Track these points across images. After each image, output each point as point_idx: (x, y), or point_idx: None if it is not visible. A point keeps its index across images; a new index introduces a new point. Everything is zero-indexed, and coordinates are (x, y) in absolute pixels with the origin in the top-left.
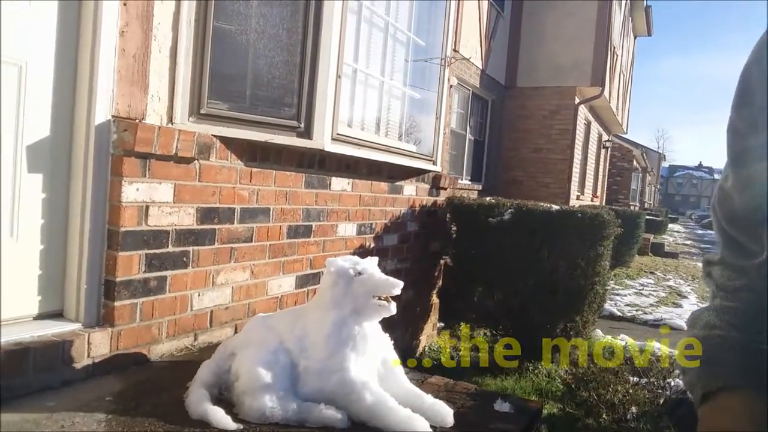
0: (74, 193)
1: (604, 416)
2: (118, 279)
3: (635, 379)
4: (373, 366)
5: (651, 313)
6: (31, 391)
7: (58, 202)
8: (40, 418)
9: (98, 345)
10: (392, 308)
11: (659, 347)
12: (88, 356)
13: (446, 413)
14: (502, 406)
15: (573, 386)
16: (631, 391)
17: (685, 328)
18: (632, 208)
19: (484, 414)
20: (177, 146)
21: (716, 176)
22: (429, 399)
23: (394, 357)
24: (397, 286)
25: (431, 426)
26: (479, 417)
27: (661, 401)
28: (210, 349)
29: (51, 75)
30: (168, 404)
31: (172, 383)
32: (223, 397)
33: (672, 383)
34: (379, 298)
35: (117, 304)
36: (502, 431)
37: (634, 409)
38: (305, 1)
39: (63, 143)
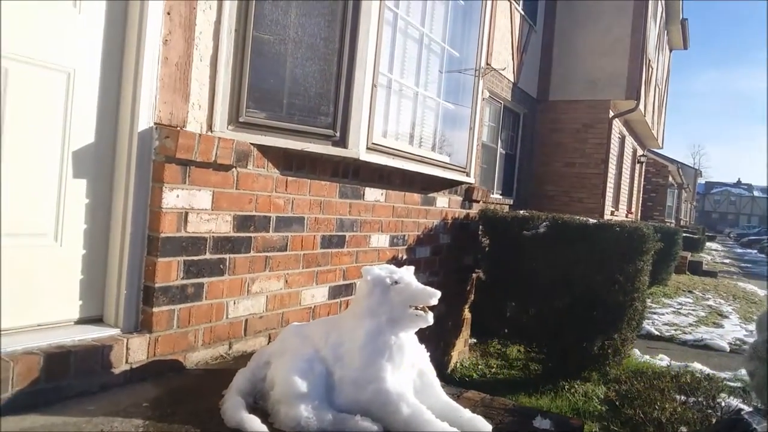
0: (116, 198)
1: None
2: (156, 285)
3: (682, 397)
4: (410, 378)
5: (690, 333)
6: (71, 395)
7: (101, 207)
8: (80, 422)
9: (136, 351)
10: (429, 318)
11: (701, 369)
12: (126, 362)
13: (484, 428)
14: (542, 423)
15: (617, 403)
16: (679, 409)
17: (727, 349)
18: (668, 224)
19: (524, 431)
20: (216, 153)
21: (756, 193)
22: (467, 413)
23: (430, 369)
24: (435, 295)
25: None
26: None
27: (713, 421)
28: (244, 358)
29: (97, 82)
30: (204, 411)
31: (208, 391)
32: (258, 405)
33: (722, 403)
34: (416, 308)
35: (155, 310)
36: None
37: (684, 429)
38: (342, 12)
39: (107, 149)
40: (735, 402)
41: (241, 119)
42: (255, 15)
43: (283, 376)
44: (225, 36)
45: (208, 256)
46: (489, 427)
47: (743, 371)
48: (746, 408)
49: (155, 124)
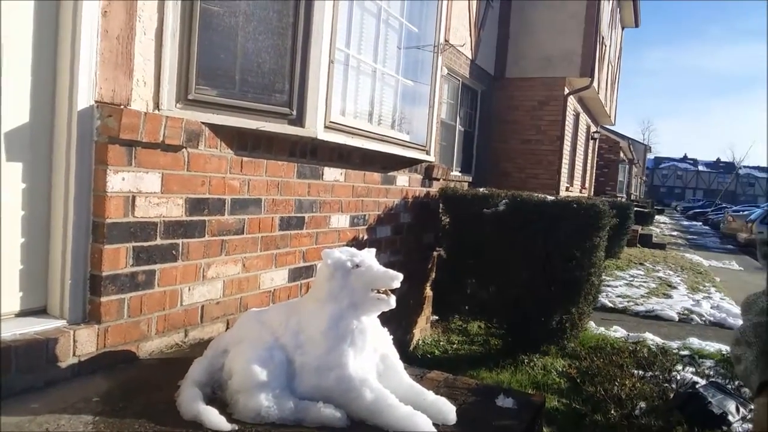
0: (56, 183)
1: (612, 412)
2: (104, 273)
3: (640, 372)
4: (372, 362)
5: (642, 305)
6: (14, 393)
7: (39, 192)
8: (22, 421)
9: (84, 343)
10: (392, 302)
11: (653, 339)
12: (74, 355)
13: (448, 410)
14: (504, 402)
15: (578, 380)
16: (638, 384)
17: (676, 319)
18: (619, 199)
19: (487, 410)
20: (164, 133)
21: (700, 168)
22: (430, 396)
23: (393, 352)
24: (397, 278)
25: (433, 424)
26: (482, 413)
27: (671, 395)
28: (201, 345)
29: (29, 56)
30: (159, 404)
31: (163, 382)
32: (216, 396)
33: (678, 376)
34: (378, 292)
35: (103, 299)
36: (506, 428)
37: (642, 404)
38: None
39: (44, 130)
40: (689, 375)
41: (190, 97)
42: None
43: (242, 365)
44: (170, 7)
45: (159, 241)
46: (452, 408)
47: (691, 340)
48: (701, 381)
49: (96, 102)
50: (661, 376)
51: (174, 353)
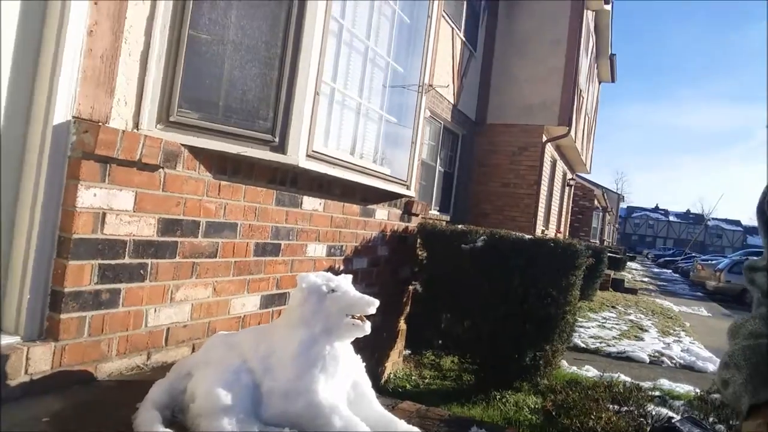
0: (24, 194)
1: None
2: (66, 290)
3: (615, 407)
4: (344, 389)
5: (614, 346)
6: None
7: (4, 201)
8: None
9: (38, 360)
10: (366, 328)
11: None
12: (26, 372)
13: None
14: None
15: (554, 413)
16: (614, 418)
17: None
18: (593, 244)
19: None
20: (142, 152)
21: (671, 218)
22: (402, 425)
23: (365, 380)
24: (373, 304)
25: None
26: None
27: (648, 430)
28: (164, 369)
29: (8, 66)
30: (113, 427)
31: (120, 404)
32: (177, 419)
33: (653, 412)
34: (353, 317)
35: (63, 316)
36: None
37: None
38: (286, 17)
39: (15, 140)
40: (664, 411)
41: (171, 119)
42: (192, 13)
43: (206, 388)
44: (158, 32)
45: (127, 260)
46: None
47: (661, 381)
48: (675, 416)
49: (74, 117)
50: (636, 411)
51: (134, 375)
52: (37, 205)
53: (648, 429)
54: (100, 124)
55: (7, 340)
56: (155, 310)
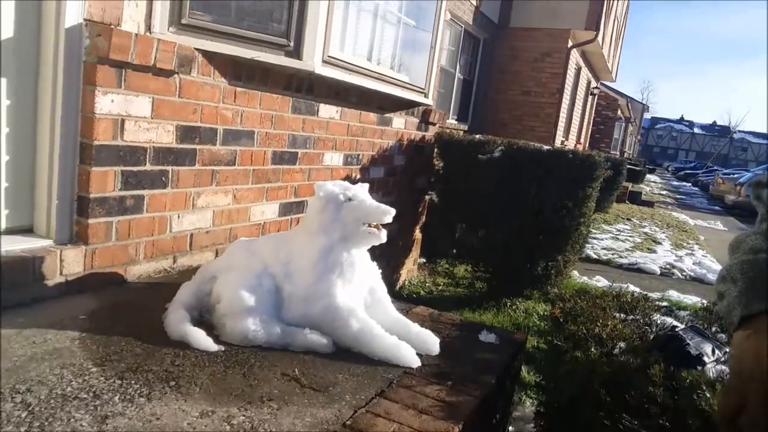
0: (43, 101)
1: (592, 350)
2: (91, 195)
3: (621, 315)
4: (360, 294)
5: (626, 257)
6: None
7: (25, 110)
8: (9, 334)
9: (71, 263)
10: (383, 236)
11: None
12: (61, 274)
13: (432, 342)
14: (487, 337)
15: (561, 320)
16: (619, 326)
17: (658, 273)
18: (613, 155)
19: (470, 344)
20: (156, 56)
21: (696, 130)
22: (415, 328)
23: (381, 286)
24: (389, 213)
25: (417, 354)
26: (465, 347)
27: (651, 337)
28: (189, 272)
29: None
30: (145, 324)
31: (150, 304)
32: (204, 319)
33: (658, 321)
34: (369, 226)
35: (91, 221)
36: (488, 361)
37: (622, 344)
38: None
39: (30, 46)
40: (669, 320)
41: (183, 21)
42: None
43: (231, 290)
44: None
45: (148, 167)
46: (437, 340)
47: (670, 292)
48: (680, 325)
49: (85, 20)
50: (642, 320)
51: (162, 278)
52: (56, 110)
53: (651, 337)
54: (112, 27)
55: (41, 243)
56: (178, 216)
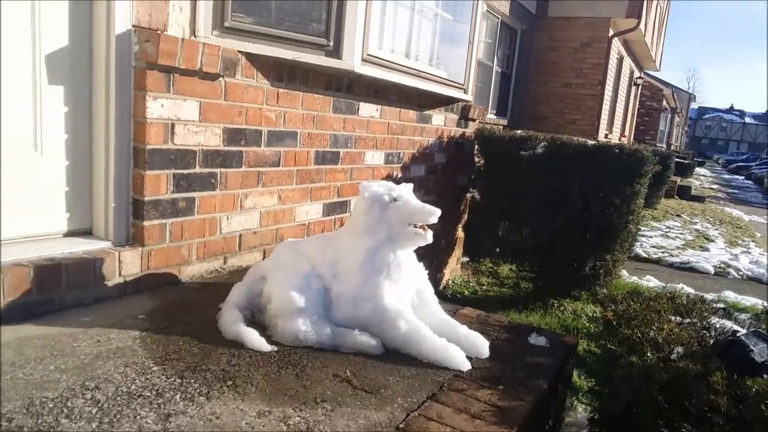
0: (97, 107)
1: (648, 354)
2: (146, 198)
3: (677, 318)
4: (408, 295)
5: (677, 256)
6: (66, 307)
7: (81, 116)
8: (76, 333)
9: (129, 264)
10: (428, 237)
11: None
12: (120, 275)
13: (481, 344)
14: (537, 340)
15: (614, 323)
16: (675, 330)
17: (712, 272)
18: (660, 149)
19: (519, 347)
20: (202, 60)
21: (747, 120)
22: (464, 329)
23: (428, 287)
24: (435, 213)
25: (466, 357)
26: (514, 350)
27: (711, 342)
28: (239, 272)
29: None
30: (201, 324)
31: (205, 304)
32: (255, 319)
33: (717, 324)
34: (415, 226)
35: (146, 223)
36: (538, 365)
37: (680, 349)
38: None
39: (83, 54)
40: (729, 324)
41: (226, 24)
42: None
43: (281, 291)
44: None
45: (198, 170)
46: (486, 342)
47: (726, 293)
48: (741, 330)
49: (134, 26)
50: (699, 324)
51: (214, 278)
52: (110, 116)
53: (711, 342)
54: (159, 32)
55: (100, 245)
56: (227, 218)
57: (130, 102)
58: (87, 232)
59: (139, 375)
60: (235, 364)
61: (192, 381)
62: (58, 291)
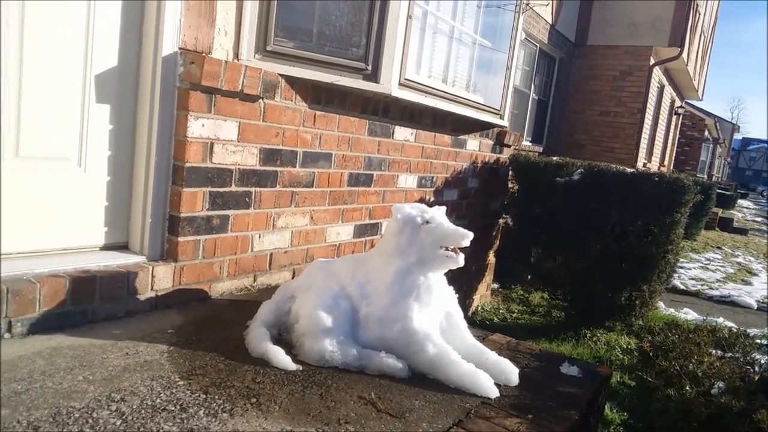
0: (141, 125)
1: (687, 388)
2: (182, 215)
3: (718, 352)
4: (436, 318)
5: (717, 289)
6: (98, 318)
7: (125, 134)
8: (106, 345)
9: (161, 278)
10: (460, 260)
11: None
12: (152, 289)
13: (511, 371)
14: (569, 370)
15: (651, 354)
16: (716, 364)
17: (755, 307)
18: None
19: (551, 376)
20: (243, 82)
21: None
22: (493, 356)
23: (458, 311)
24: (467, 237)
25: (495, 384)
26: (545, 378)
27: (756, 378)
28: (268, 291)
29: (119, 1)
30: (228, 341)
31: (233, 321)
32: (282, 338)
33: (762, 360)
34: (446, 249)
35: (180, 239)
36: (570, 395)
37: (721, 384)
38: None
39: (130, 74)
40: None
41: (268, 48)
42: None
43: (309, 310)
44: None
45: (233, 188)
46: (515, 370)
47: None
48: None
49: (180, 49)
50: (742, 359)
51: (243, 296)
52: (152, 134)
53: (756, 378)
54: (204, 55)
55: (135, 259)
56: (259, 236)
57: (173, 121)
58: (123, 246)
59: (164, 389)
60: (259, 382)
61: (216, 397)
62: (92, 303)
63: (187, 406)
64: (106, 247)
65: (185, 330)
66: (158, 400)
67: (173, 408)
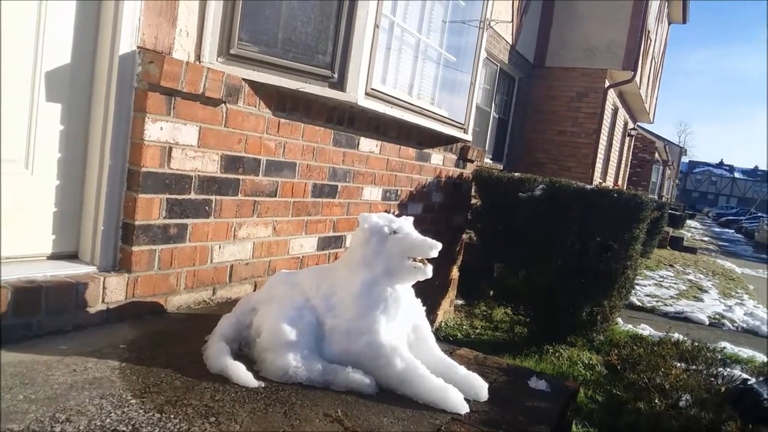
0: (94, 126)
1: (656, 401)
2: (137, 222)
3: (683, 365)
4: (404, 331)
5: (671, 305)
6: (43, 333)
7: (77, 135)
8: (51, 361)
9: (113, 290)
10: (428, 271)
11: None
12: (103, 301)
13: (480, 386)
14: (537, 384)
15: (619, 368)
16: (683, 376)
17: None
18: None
19: (520, 390)
20: (205, 85)
21: (737, 174)
22: (462, 370)
23: (426, 324)
24: (436, 247)
25: (464, 399)
26: (514, 393)
27: (722, 390)
28: (228, 304)
29: None
30: (185, 356)
31: (190, 335)
32: (243, 352)
33: (724, 372)
34: (415, 260)
35: (135, 249)
36: (539, 409)
37: (687, 396)
38: None
39: (84, 72)
40: (737, 372)
41: (232, 51)
42: None
43: (271, 323)
44: None
45: (193, 195)
46: (485, 384)
47: (722, 344)
48: (752, 379)
49: (138, 48)
50: (705, 371)
51: (201, 309)
52: (107, 136)
53: (721, 389)
54: (164, 54)
55: (85, 269)
56: (220, 247)
57: (129, 123)
58: (73, 256)
59: (115, 408)
60: (219, 400)
61: (172, 416)
62: (37, 315)
63: (140, 426)
64: (54, 256)
65: (139, 345)
66: (108, 420)
67: (125, 428)
